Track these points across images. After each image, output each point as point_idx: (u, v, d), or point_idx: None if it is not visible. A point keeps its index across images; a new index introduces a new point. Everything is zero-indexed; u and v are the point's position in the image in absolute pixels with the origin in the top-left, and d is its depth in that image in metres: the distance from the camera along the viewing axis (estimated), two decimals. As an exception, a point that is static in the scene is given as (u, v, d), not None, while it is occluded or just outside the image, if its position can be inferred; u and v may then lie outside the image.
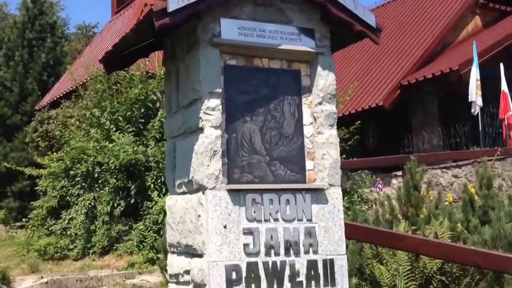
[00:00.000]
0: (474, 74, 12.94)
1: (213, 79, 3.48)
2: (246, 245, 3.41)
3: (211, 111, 3.44)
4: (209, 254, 3.36)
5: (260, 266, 3.42)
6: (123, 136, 9.86)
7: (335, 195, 3.66)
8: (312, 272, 3.51)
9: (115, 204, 9.47)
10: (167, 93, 4.07)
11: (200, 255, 3.45)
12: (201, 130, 3.44)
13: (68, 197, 10.25)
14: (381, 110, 14.66)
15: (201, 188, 3.44)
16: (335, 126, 3.75)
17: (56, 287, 7.35)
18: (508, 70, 13.92)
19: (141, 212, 9.37)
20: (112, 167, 9.49)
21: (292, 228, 3.52)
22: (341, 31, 3.85)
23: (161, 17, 3.28)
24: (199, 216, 3.46)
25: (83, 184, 10.04)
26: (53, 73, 20.02)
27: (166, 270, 4.29)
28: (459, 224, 4.93)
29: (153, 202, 9.08)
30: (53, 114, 14.80)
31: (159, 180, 9.22)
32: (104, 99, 10.85)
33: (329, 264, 3.56)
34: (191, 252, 3.59)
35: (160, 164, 9.19)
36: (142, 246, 8.85)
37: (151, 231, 8.89)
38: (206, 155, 3.41)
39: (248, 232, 3.43)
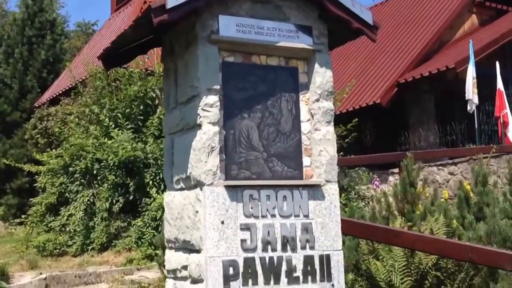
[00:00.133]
0: (471, 72, 12.99)
1: (211, 75, 3.50)
2: (243, 241, 3.44)
3: (209, 108, 3.47)
4: (206, 250, 3.39)
5: (257, 262, 3.45)
6: (122, 133, 9.89)
7: (331, 191, 3.69)
8: (309, 268, 3.55)
9: (114, 201, 9.50)
10: (166, 90, 4.09)
11: (198, 251, 3.48)
12: (199, 126, 3.47)
13: (67, 194, 10.28)
14: (379, 107, 14.70)
15: (199, 184, 3.47)
16: (332, 123, 3.78)
17: (54, 283, 7.36)
18: (503, 69, 13.99)
19: (139, 209, 9.41)
20: (111, 164, 9.52)
21: (289, 224, 3.55)
22: (339, 29, 3.88)
23: (159, 14, 3.30)
24: (197, 212, 3.49)
25: (82, 180, 10.07)
26: (53, 70, 20.03)
27: (164, 266, 4.32)
28: (454, 221, 4.97)
29: (152, 199, 9.11)
30: (53, 111, 14.83)
31: (157, 177, 9.25)
32: (103, 96, 10.87)
33: (325, 260, 3.59)
34: (188, 247, 3.62)
35: (159, 161, 9.22)
36: (140, 242, 8.88)
37: (149, 228, 8.92)
38: (204, 151, 3.43)
39: (246, 228, 3.46)
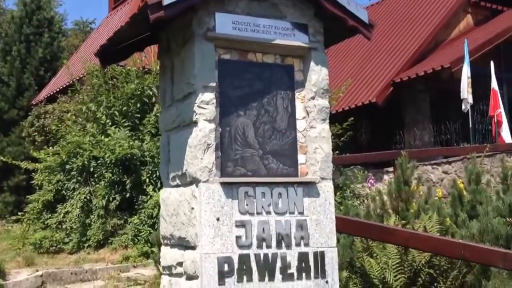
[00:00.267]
0: (465, 72, 13.05)
1: (208, 73, 3.51)
2: (238, 238, 3.46)
3: (205, 105, 3.48)
4: (201, 246, 3.40)
5: (252, 258, 3.47)
6: (119, 131, 9.91)
7: (326, 188, 3.72)
8: (303, 264, 3.57)
9: (111, 198, 9.52)
10: (162, 87, 4.10)
11: (193, 247, 3.50)
12: (195, 123, 3.48)
13: (63, 191, 10.30)
14: (374, 107, 14.75)
15: (195, 181, 3.49)
16: (328, 121, 3.80)
17: (51, 280, 7.36)
18: (498, 68, 14.05)
19: (136, 206, 9.43)
20: (108, 162, 9.54)
21: (284, 221, 3.57)
22: (334, 27, 3.89)
23: (156, 10, 3.31)
24: (192, 208, 3.50)
25: (79, 178, 10.09)
26: (50, 68, 20.05)
27: (160, 263, 4.33)
28: (447, 219, 5.01)
29: (148, 197, 9.14)
30: (50, 108, 14.88)
31: (154, 175, 9.27)
32: (100, 94, 10.89)
33: (319, 257, 3.61)
34: (184, 244, 3.64)
35: (156, 159, 9.25)
36: (137, 240, 8.91)
37: (146, 225, 8.95)
38: (199, 148, 3.45)
39: (241, 224, 3.47)
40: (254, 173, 3.60)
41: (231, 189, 3.48)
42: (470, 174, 5.55)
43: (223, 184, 3.46)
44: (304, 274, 3.56)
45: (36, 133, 15.38)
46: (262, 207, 3.53)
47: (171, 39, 3.86)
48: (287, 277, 3.52)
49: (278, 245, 3.53)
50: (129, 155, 9.42)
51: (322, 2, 3.71)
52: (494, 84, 13.32)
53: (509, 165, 7.73)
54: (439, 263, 4.45)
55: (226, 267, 3.40)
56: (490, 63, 13.51)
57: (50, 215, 10.30)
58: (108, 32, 18.08)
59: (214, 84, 3.52)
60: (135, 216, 9.22)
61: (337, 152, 10.96)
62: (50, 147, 11.49)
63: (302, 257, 3.57)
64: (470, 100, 13.08)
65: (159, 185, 9.02)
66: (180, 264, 3.66)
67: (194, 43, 3.51)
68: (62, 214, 9.99)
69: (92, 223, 9.59)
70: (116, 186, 9.63)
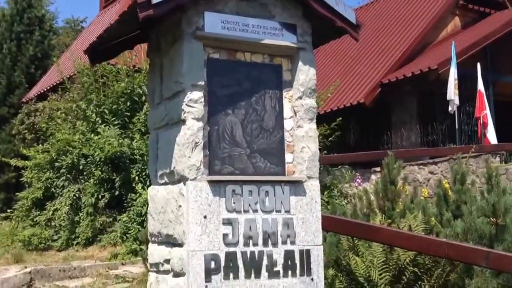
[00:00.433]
0: (452, 74, 13.17)
1: (196, 72, 3.54)
2: (225, 235, 3.49)
3: (194, 103, 3.51)
4: (188, 244, 3.43)
5: (239, 256, 3.50)
6: (108, 129, 9.94)
7: (313, 187, 3.75)
8: (289, 262, 3.60)
9: (100, 196, 9.55)
10: (151, 85, 4.12)
11: (180, 245, 3.52)
12: (184, 122, 3.50)
13: (53, 189, 10.33)
14: (362, 107, 14.86)
15: (183, 179, 3.51)
16: (315, 120, 3.83)
17: (39, 276, 7.34)
18: (484, 70, 14.20)
19: (125, 204, 9.46)
20: (97, 159, 9.57)
21: (270, 219, 3.60)
22: (323, 27, 3.93)
23: (145, 9, 3.33)
24: (180, 206, 3.53)
25: (68, 175, 10.12)
26: (41, 66, 20.01)
27: (147, 260, 4.35)
28: (432, 218, 5.07)
29: (137, 194, 9.16)
30: (40, 106, 14.90)
31: (143, 173, 9.31)
32: (90, 92, 10.92)
33: (305, 255, 3.65)
34: (171, 241, 3.66)
35: (145, 157, 9.28)
36: (125, 237, 8.93)
37: (134, 223, 8.98)
38: (187, 146, 3.47)
39: (228, 222, 3.50)
40: (242, 172, 3.63)
41: (219, 187, 3.51)
42: (456, 174, 5.61)
43: (210, 182, 3.49)
44: (290, 272, 3.60)
45: (26, 131, 15.40)
46: (249, 205, 3.56)
47: (161, 37, 3.88)
48: (273, 274, 3.56)
49: (265, 243, 3.56)
50: (118, 153, 9.44)
51: (311, 2, 3.75)
52: (480, 86, 13.46)
53: (494, 166, 7.82)
54: (423, 262, 4.51)
55: (212, 265, 3.43)
56: (476, 65, 13.64)
57: (39, 213, 10.30)
58: (99, 30, 17.99)
59: (202, 83, 3.55)
60: (124, 214, 9.24)
61: (325, 152, 11.04)
62: (40, 145, 11.52)
63: (288, 255, 3.60)
64: (457, 101, 13.22)
65: (148, 183, 9.04)
66: (167, 261, 3.69)
67: (183, 42, 3.54)
68: (51, 212, 10.00)
69: (81, 220, 9.61)
70: (105, 184, 9.65)
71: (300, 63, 3.82)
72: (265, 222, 3.58)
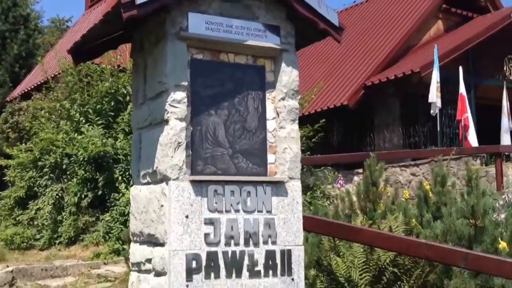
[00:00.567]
0: (435, 77, 13.32)
1: (180, 72, 3.55)
2: (207, 235, 3.50)
3: (177, 104, 3.52)
4: (170, 243, 3.44)
5: (220, 256, 3.52)
6: (92, 129, 9.96)
7: (294, 187, 3.78)
8: (270, 262, 3.62)
9: (83, 195, 9.57)
10: (135, 85, 4.12)
11: (162, 244, 3.53)
12: (167, 122, 3.51)
13: (36, 188, 10.34)
14: (346, 109, 14.96)
15: (165, 179, 3.52)
16: (297, 121, 3.86)
17: (21, 275, 7.31)
18: (466, 74, 14.39)
19: (108, 204, 9.47)
20: (81, 159, 9.58)
21: (252, 219, 3.62)
22: (306, 29, 3.96)
23: (129, 9, 3.33)
24: (162, 206, 3.54)
25: (51, 175, 10.12)
26: (25, 65, 19.89)
27: (129, 260, 4.35)
28: (413, 219, 5.13)
29: (121, 194, 9.18)
30: (24, 105, 14.89)
31: (127, 173, 9.31)
32: (74, 92, 10.93)
33: (286, 255, 3.67)
34: (153, 241, 3.67)
35: (129, 157, 9.27)
36: (108, 237, 8.94)
37: (117, 223, 8.99)
38: (170, 146, 3.48)
39: (209, 222, 3.52)
40: (224, 172, 3.64)
41: (201, 187, 3.52)
42: (436, 176, 5.67)
43: (192, 182, 3.50)
44: (271, 272, 3.62)
45: (9, 130, 15.37)
46: (231, 205, 3.58)
47: (144, 38, 3.88)
48: (254, 274, 3.58)
49: (246, 243, 3.58)
50: (102, 153, 9.47)
51: (294, 4, 3.78)
52: (462, 89, 13.63)
53: (474, 168, 7.94)
54: (403, 262, 4.56)
55: (194, 264, 3.44)
56: (459, 69, 13.81)
57: (21, 212, 10.33)
58: (84, 30, 17.90)
59: (186, 83, 3.56)
60: (107, 214, 9.25)
61: (308, 153, 11.10)
62: (23, 144, 11.52)
63: (269, 255, 3.63)
64: (439, 104, 13.36)
65: (131, 183, 9.02)
66: (149, 260, 3.70)
67: (167, 42, 3.55)
68: (34, 211, 10.02)
69: (64, 220, 9.62)
70: (88, 184, 9.67)
71: (283, 65, 3.84)
72: (247, 222, 3.60)
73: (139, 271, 3.87)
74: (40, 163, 10.25)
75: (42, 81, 14.55)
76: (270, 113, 3.85)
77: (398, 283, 4.54)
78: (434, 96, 13.23)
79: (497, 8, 17.95)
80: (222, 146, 3.68)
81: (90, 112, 10.36)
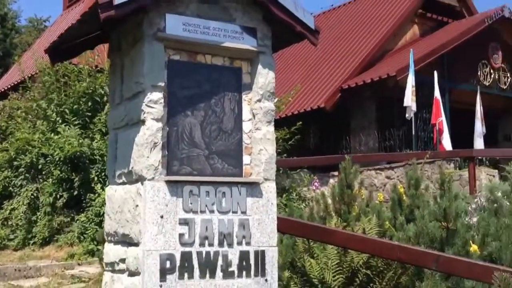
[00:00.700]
0: (410, 81, 13.48)
1: (157, 73, 3.56)
2: (181, 235, 3.51)
3: (153, 104, 3.52)
4: (144, 243, 3.44)
5: (194, 256, 3.53)
6: (69, 129, 9.91)
7: (269, 189, 3.81)
8: (244, 263, 3.65)
9: (58, 196, 9.49)
10: (112, 86, 4.12)
11: (136, 244, 3.53)
12: (143, 122, 3.52)
13: (10, 188, 10.23)
14: (323, 112, 15.05)
15: (140, 179, 3.52)
16: (273, 123, 3.89)
17: (-6, 275, 7.24)
18: (441, 78, 14.59)
19: (83, 204, 9.42)
20: (57, 159, 9.51)
21: (226, 220, 3.64)
22: (282, 32, 3.99)
23: (106, 10, 3.33)
24: (137, 206, 3.54)
25: (27, 175, 10.03)
26: (2, 65, 19.68)
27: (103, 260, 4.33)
28: (387, 222, 5.19)
29: (96, 195, 9.14)
30: (0, 105, 14.64)
31: (103, 173, 9.28)
32: (51, 92, 10.86)
33: (260, 255, 3.70)
34: (127, 241, 3.66)
35: (105, 158, 9.22)
36: (83, 237, 8.89)
37: (92, 223, 8.94)
38: (146, 146, 3.49)
39: (184, 222, 3.53)
40: (200, 173, 3.66)
41: (176, 188, 3.53)
42: (410, 179, 5.74)
43: (168, 182, 3.51)
44: (244, 272, 3.64)
45: (-15, 129, 15.12)
46: (206, 206, 3.59)
47: (122, 38, 3.88)
48: (228, 275, 3.60)
49: (220, 244, 3.60)
50: (78, 153, 9.42)
51: (271, 7, 3.81)
52: (437, 93, 13.81)
53: (447, 172, 8.04)
54: (376, 264, 4.60)
55: (168, 264, 3.45)
56: (434, 73, 14.00)
57: (-4, 211, 10.16)
58: (62, 30, 17.79)
59: (162, 84, 3.57)
60: (82, 214, 9.20)
61: (285, 155, 11.14)
62: (-1, 144, 11.36)
63: (243, 255, 3.65)
64: (414, 108, 13.52)
65: (107, 183, 8.98)
66: (123, 260, 3.69)
67: (144, 43, 3.55)
68: (8, 211, 9.91)
69: (39, 220, 9.53)
70: (64, 184, 9.60)
71: (259, 67, 3.87)
72: (221, 222, 3.62)
73: (113, 271, 3.86)
74: (15, 163, 10.16)
75: (19, 81, 14.46)
76: (246, 114, 3.87)
77: (371, 284, 4.59)
78: (410, 100, 13.39)
79: (471, 14, 18.25)
80: (198, 147, 3.70)
81: (67, 112, 10.31)
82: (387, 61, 16.05)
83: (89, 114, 10.43)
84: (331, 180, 12.07)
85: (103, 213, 8.57)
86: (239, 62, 3.90)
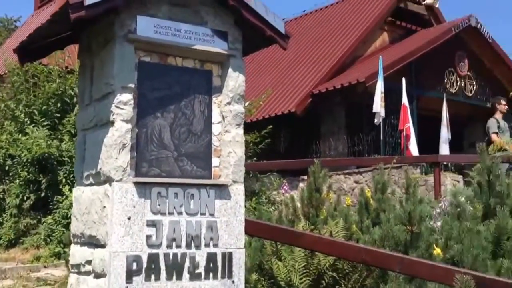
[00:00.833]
0: (379, 87, 13.68)
1: (127, 74, 3.55)
2: (148, 237, 3.51)
3: (123, 105, 3.52)
4: (111, 245, 3.43)
5: (161, 258, 3.53)
6: (37, 130, 9.78)
7: (238, 191, 3.83)
8: (211, 265, 3.66)
9: (25, 197, 9.38)
10: (81, 86, 4.09)
11: (103, 246, 3.52)
12: (112, 123, 3.51)
13: (-24, 189, 10.01)
14: (293, 116, 15.16)
15: (108, 180, 3.51)
16: (242, 126, 3.91)
17: (-44, 278, 7.08)
18: (409, 85, 14.84)
19: (51, 206, 9.29)
20: (24, 160, 9.40)
21: (194, 222, 3.65)
22: (253, 36, 4.03)
23: (77, 10, 3.31)
24: (104, 207, 3.52)
25: (-7, 176, 9.86)
26: (-29, 65, 19.19)
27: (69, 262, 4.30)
28: (354, 225, 5.27)
29: (64, 197, 9.02)
30: (-32, 105, 14.34)
31: (71, 175, 9.16)
32: (20, 92, 10.74)
33: (227, 257, 3.71)
34: (94, 242, 3.65)
35: (74, 159, 9.11)
36: (49, 240, 8.78)
37: (59, 225, 8.82)
38: (115, 147, 3.48)
39: (152, 224, 3.53)
40: (169, 174, 3.66)
41: (144, 189, 3.53)
42: (377, 183, 5.85)
43: (136, 183, 3.51)
44: (211, 274, 3.66)
45: (-48, 130, 14.78)
46: (174, 207, 3.60)
47: (92, 39, 3.86)
48: (194, 276, 3.61)
49: (188, 245, 3.61)
50: (46, 155, 9.31)
51: (243, 12, 3.84)
52: (404, 99, 14.04)
53: (414, 176, 8.19)
54: (342, 267, 4.67)
55: (134, 266, 3.44)
56: (402, 80, 14.23)
57: (-40, 213, 9.95)
58: (32, 30, 17.63)
59: (132, 85, 3.57)
60: (49, 216, 9.08)
61: (255, 158, 11.19)
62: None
63: (211, 257, 3.66)
64: (383, 114, 13.72)
65: (75, 184, 8.90)
66: (89, 262, 3.67)
67: (114, 44, 3.54)
68: (-27, 212, 9.70)
69: (4, 222, 9.41)
70: (31, 185, 9.49)
71: (230, 70, 3.90)
72: (189, 224, 3.63)
73: (79, 272, 3.83)
74: (-19, 164, 9.98)
75: (-13, 81, 14.19)
76: (216, 117, 3.89)
77: (337, 287, 4.65)
78: (378, 106, 13.58)
79: (439, 22, 18.62)
80: (167, 148, 3.70)
81: (36, 113, 10.20)
82: (357, 67, 16.26)
83: (58, 115, 10.32)
84: (301, 184, 12.16)
85: (71, 215, 8.51)
86: (209, 65, 3.92)
